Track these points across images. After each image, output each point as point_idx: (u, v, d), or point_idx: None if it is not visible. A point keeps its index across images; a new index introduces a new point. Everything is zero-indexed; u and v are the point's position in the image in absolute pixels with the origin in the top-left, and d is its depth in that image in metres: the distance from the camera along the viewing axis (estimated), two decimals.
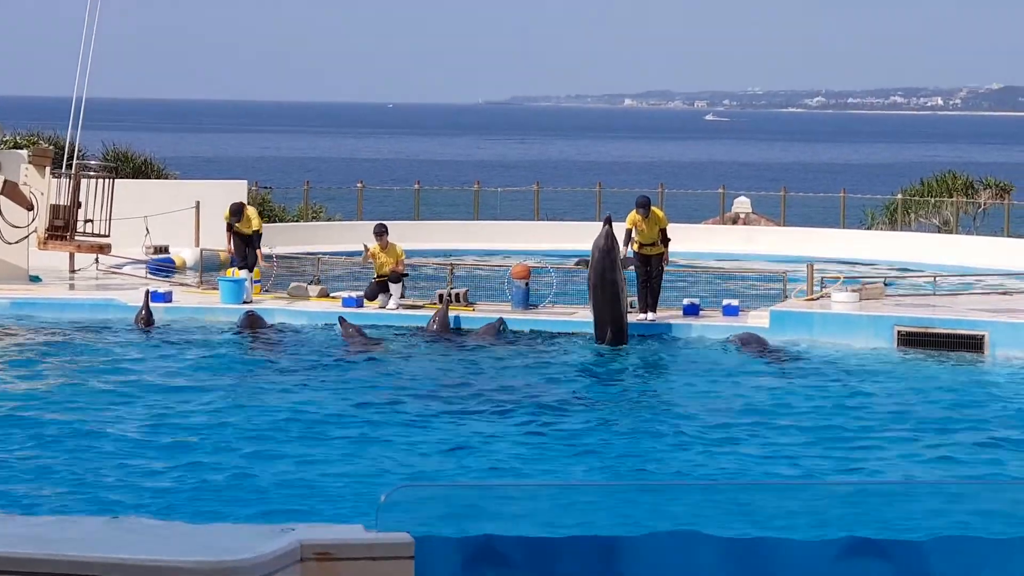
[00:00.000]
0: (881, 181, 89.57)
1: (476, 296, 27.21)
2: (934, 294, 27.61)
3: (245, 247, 27.70)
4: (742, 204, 42.42)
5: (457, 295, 26.17)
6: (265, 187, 43.24)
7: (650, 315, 25.30)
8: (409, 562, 6.97)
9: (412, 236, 35.80)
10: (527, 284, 26.33)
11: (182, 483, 15.18)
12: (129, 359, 22.34)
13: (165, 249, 32.54)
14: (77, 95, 29.06)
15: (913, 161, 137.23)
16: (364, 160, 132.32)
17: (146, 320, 25.12)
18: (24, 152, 29.52)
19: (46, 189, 28.53)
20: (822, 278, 27.70)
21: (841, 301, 25.46)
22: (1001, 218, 42.04)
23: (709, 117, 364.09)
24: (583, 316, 25.17)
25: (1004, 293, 28.33)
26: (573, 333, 24.96)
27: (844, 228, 41.15)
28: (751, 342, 24.00)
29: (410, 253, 28.79)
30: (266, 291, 27.65)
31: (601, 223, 25.14)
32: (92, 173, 29.88)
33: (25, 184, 28.40)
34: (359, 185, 42.86)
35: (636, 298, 25.46)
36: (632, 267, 25.16)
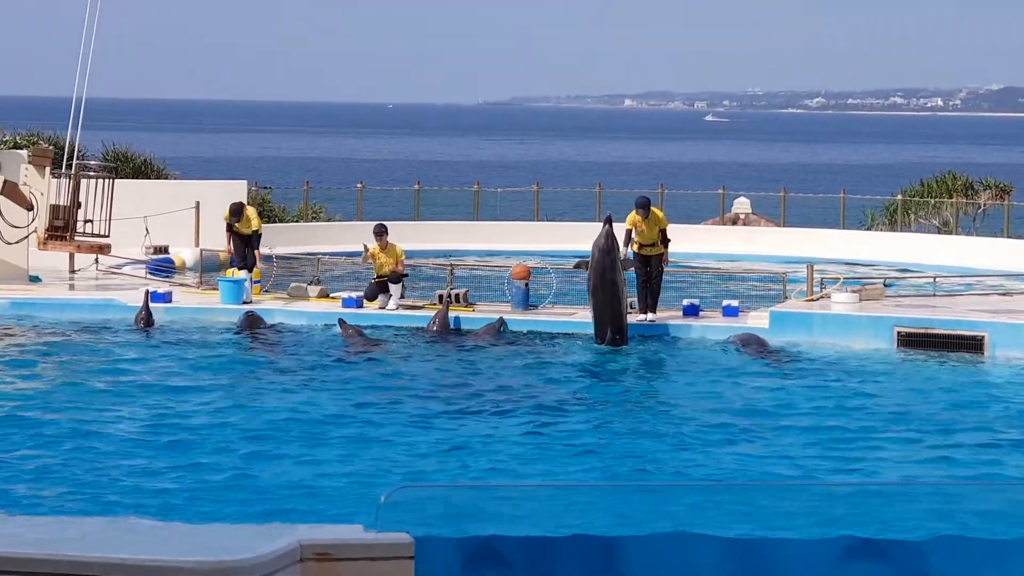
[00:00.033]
0: (881, 182, 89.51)
1: (476, 297, 27.21)
2: (934, 295, 27.60)
3: (245, 247, 27.71)
4: (742, 205, 42.42)
5: (457, 296, 26.17)
6: (265, 187, 43.25)
7: (650, 315, 25.30)
8: (409, 562, 6.97)
9: (412, 236, 35.78)
10: (527, 285, 26.33)
11: (182, 483, 15.19)
12: (129, 359, 22.35)
13: (165, 249, 32.52)
14: (77, 95, 29.06)
15: (913, 162, 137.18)
16: (364, 160, 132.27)
17: (146, 320, 25.12)
18: (24, 152, 29.52)
19: (46, 189, 28.52)
20: (822, 279, 27.70)
21: (841, 302, 25.46)
22: (1001, 219, 42.03)
23: (709, 118, 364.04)
24: (583, 316, 25.16)
25: (1004, 294, 28.33)
26: (573, 334, 24.96)
27: (844, 229, 41.12)
28: (751, 343, 23.99)
29: (410, 254, 28.78)
30: (266, 291, 27.65)
31: (601, 223, 25.15)
32: (92, 173, 29.87)
33: (25, 184, 28.39)
34: (359, 185, 42.87)
35: (636, 299, 25.47)
36: (632, 268, 25.17)
